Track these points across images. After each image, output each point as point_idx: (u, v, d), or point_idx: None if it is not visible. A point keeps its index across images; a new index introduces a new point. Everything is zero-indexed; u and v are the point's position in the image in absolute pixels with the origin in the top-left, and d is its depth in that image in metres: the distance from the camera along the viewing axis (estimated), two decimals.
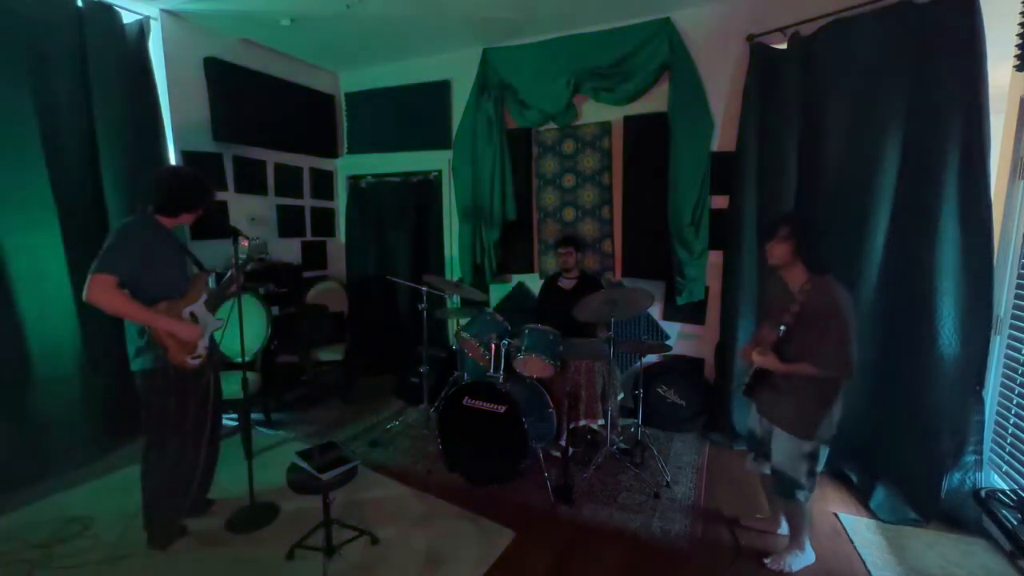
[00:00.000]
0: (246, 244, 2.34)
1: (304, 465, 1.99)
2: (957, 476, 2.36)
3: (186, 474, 2.20)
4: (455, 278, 4.27)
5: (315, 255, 4.64)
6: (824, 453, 1.97)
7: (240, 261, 2.27)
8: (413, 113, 4.38)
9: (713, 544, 2.30)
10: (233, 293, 2.28)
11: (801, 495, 1.98)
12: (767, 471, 2.14)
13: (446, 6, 3.25)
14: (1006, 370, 2.33)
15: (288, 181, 4.32)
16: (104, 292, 1.88)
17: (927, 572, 2.11)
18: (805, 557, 2.12)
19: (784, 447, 1.99)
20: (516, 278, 4.24)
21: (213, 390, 2.27)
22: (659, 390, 3.52)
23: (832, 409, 1.91)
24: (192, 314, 2.11)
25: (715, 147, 3.33)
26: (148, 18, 3.18)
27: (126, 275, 1.94)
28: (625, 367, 3.77)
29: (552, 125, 3.87)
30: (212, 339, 2.26)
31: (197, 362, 2.11)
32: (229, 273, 2.28)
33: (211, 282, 2.31)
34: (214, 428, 2.35)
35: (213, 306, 2.23)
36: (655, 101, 3.49)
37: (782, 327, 1.87)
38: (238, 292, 2.25)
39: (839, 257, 2.61)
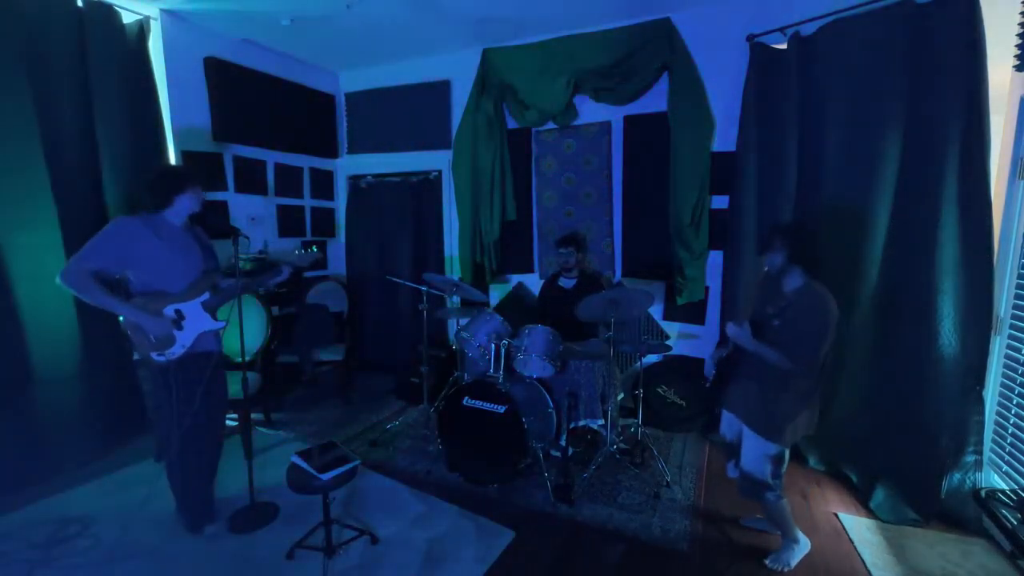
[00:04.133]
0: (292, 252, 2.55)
1: (304, 465, 1.99)
2: (957, 476, 2.36)
3: (209, 451, 2.30)
4: (455, 278, 4.27)
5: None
6: (786, 456, 2.04)
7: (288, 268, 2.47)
8: (413, 113, 4.37)
9: (713, 544, 2.30)
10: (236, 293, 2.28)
11: (770, 496, 2.03)
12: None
13: (446, 6, 3.25)
14: (1006, 370, 2.32)
15: (288, 181, 4.32)
16: (74, 275, 1.97)
17: (927, 572, 2.11)
18: (801, 547, 2.15)
19: (751, 448, 2.05)
20: (516, 278, 4.24)
21: (218, 386, 2.31)
22: (659, 390, 3.52)
23: (799, 418, 1.97)
24: (177, 311, 2.10)
25: (715, 147, 3.33)
26: (148, 18, 3.18)
27: (102, 265, 2.02)
28: (625, 367, 3.76)
29: (552, 125, 3.86)
30: (217, 338, 2.27)
31: (163, 359, 2.10)
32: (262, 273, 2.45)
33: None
34: (216, 424, 2.37)
35: (213, 307, 2.21)
36: (655, 101, 3.48)
37: (776, 322, 1.94)
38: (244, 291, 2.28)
39: (839, 257, 2.61)
